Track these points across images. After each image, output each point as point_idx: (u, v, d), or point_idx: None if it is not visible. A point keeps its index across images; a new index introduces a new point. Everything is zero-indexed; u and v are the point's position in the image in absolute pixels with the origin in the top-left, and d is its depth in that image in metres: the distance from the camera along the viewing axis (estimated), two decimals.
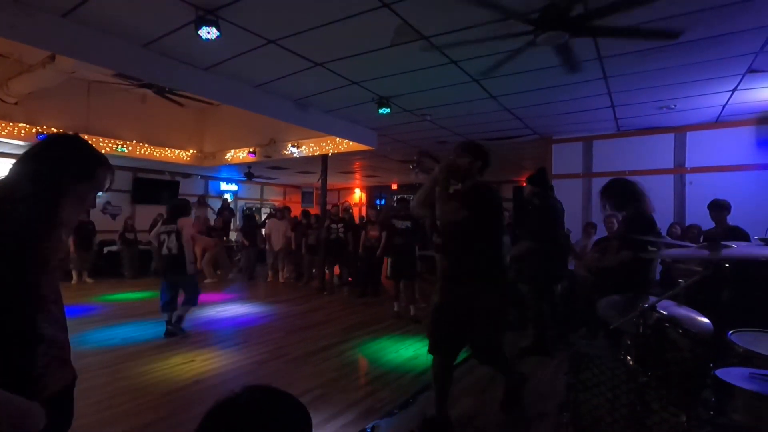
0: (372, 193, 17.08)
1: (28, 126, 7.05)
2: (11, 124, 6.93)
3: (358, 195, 17.34)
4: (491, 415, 2.99)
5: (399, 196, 6.93)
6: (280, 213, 9.46)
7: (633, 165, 6.80)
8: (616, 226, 4.96)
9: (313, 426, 0.81)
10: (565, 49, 3.48)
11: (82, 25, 3.83)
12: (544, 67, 4.41)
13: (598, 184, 7.33)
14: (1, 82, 6.63)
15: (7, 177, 1.14)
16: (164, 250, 4.84)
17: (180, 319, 4.97)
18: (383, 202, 16.98)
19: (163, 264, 5.02)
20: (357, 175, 13.97)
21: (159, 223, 5.14)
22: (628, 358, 1.96)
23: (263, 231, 9.72)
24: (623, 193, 3.06)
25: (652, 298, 2.01)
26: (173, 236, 4.78)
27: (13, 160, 1.21)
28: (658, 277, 5.33)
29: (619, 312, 2.08)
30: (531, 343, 4.28)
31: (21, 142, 7.19)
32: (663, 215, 5.51)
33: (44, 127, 7.22)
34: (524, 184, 12.71)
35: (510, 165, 10.84)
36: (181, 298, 4.97)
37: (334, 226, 7.88)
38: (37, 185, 1.11)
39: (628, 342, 1.89)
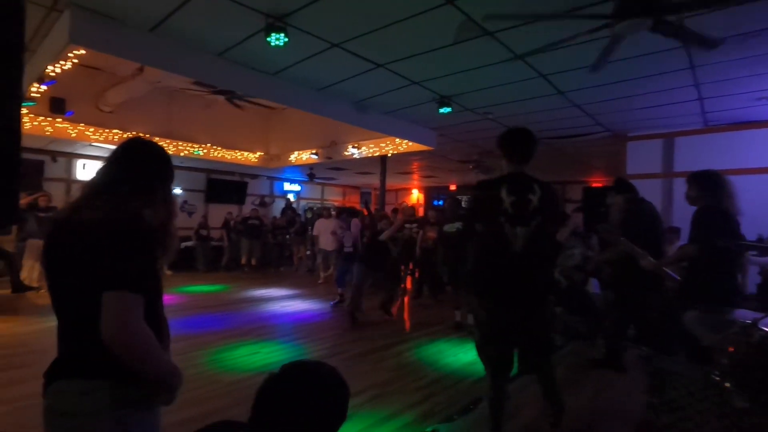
0: (430, 193, 16.95)
1: (120, 132, 7.84)
2: (106, 130, 7.75)
3: (415, 196, 17.29)
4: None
5: (448, 196, 6.58)
6: (327, 212, 9.20)
7: (723, 163, 6.07)
8: None
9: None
10: (680, 31, 3.13)
11: (166, 39, 4.18)
12: (621, 58, 4.08)
13: (680, 185, 6.69)
14: (99, 93, 7.44)
15: (114, 175, 1.23)
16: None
17: None
18: (441, 203, 16.78)
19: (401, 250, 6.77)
20: (415, 176, 13.94)
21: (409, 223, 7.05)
22: (722, 379, 1.74)
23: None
24: (704, 186, 2.76)
25: (744, 312, 1.77)
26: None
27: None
28: (753, 289, 4.73)
29: (710, 327, 1.85)
30: (603, 355, 3.97)
31: (114, 147, 8.01)
32: (759, 220, 4.87)
33: (134, 133, 7.99)
34: (594, 185, 11.83)
35: (578, 165, 10.21)
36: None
37: (408, 225, 7.86)
38: (160, 182, 1.27)
39: (725, 362, 1.67)
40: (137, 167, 1.25)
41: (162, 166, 1.31)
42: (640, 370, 3.82)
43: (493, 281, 2.33)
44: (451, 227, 5.38)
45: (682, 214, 6.24)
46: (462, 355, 4.36)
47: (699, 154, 6.44)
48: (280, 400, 0.92)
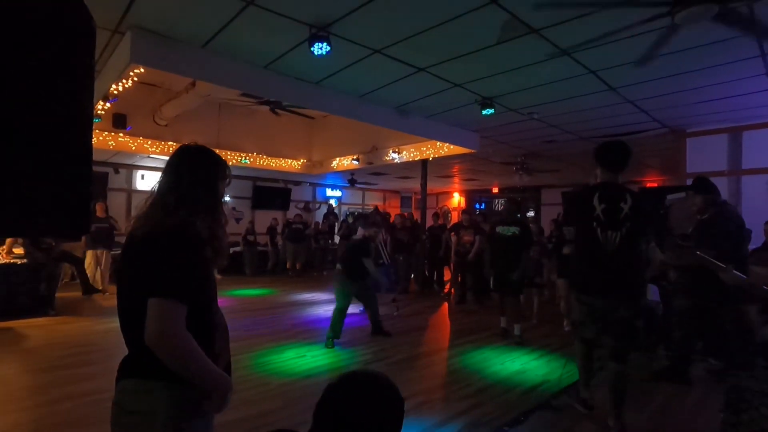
0: (471, 197, 16.66)
1: (175, 144, 8.31)
2: (162, 142, 8.24)
3: (456, 199, 17.05)
4: None
5: (506, 198, 6.24)
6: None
7: None
8: None
9: None
10: (747, 20, 2.92)
11: (216, 54, 4.39)
12: (681, 49, 3.82)
13: (749, 183, 6.17)
14: (156, 108, 7.93)
15: (165, 186, 1.27)
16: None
17: None
18: (483, 206, 16.43)
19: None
20: (456, 179, 13.75)
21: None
22: None
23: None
24: None
25: None
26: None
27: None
28: None
29: None
30: (666, 367, 3.70)
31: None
32: None
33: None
34: (649, 186, 11.12)
35: (630, 164, 9.65)
36: None
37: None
38: (204, 189, 1.28)
39: None
40: (180, 177, 1.26)
41: (206, 174, 1.30)
42: (709, 385, 3.53)
43: (587, 277, 2.69)
44: (506, 230, 5.13)
45: (752, 215, 5.75)
46: (509, 364, 4.22)
47: None
48: (339, 413, 0.94)
